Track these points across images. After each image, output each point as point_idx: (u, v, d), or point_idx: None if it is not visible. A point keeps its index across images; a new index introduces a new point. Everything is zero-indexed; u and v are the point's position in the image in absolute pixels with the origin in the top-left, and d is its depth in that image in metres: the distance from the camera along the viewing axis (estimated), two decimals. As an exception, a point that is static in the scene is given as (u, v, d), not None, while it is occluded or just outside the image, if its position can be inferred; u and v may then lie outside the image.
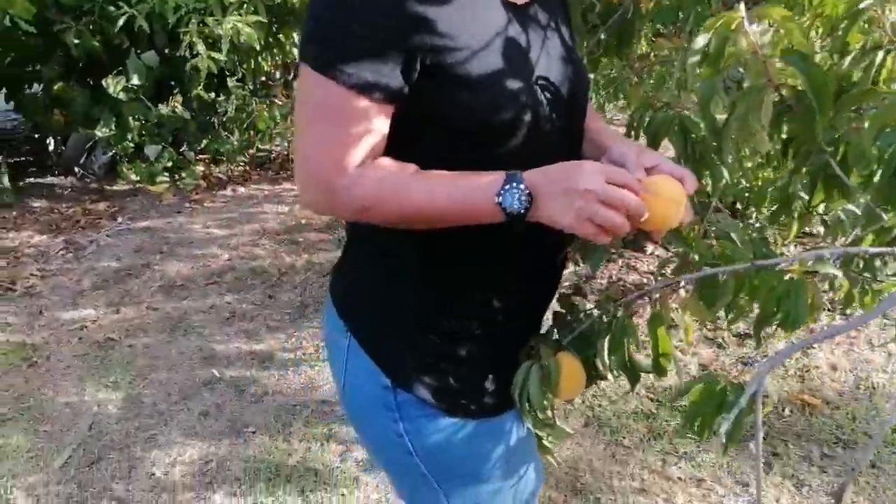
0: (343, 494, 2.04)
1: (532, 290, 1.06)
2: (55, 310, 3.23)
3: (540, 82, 0.93)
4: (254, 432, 2.34)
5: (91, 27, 3.97)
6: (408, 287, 1.00)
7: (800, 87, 0.99)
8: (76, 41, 3.94)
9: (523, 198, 0.84)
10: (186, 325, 3.02)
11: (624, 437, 2.18)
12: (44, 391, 2.64)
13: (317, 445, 2.24)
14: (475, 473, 1.09)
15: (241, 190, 4.48)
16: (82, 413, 2.50)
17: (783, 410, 2.25)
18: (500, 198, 0.84)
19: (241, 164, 4.69)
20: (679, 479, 2.02)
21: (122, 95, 4.00)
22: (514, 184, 0.85)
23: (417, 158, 0.90)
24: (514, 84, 0.89)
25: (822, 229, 2.18)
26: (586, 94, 1.05)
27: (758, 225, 2.49)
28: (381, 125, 0.86)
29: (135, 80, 3.93)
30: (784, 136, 1.15)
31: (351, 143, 0.85)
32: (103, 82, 3.96)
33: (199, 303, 3.21)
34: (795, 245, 2.94)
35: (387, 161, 0.89)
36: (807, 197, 1.42)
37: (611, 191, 0.81)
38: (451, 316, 1.00)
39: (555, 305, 1.12)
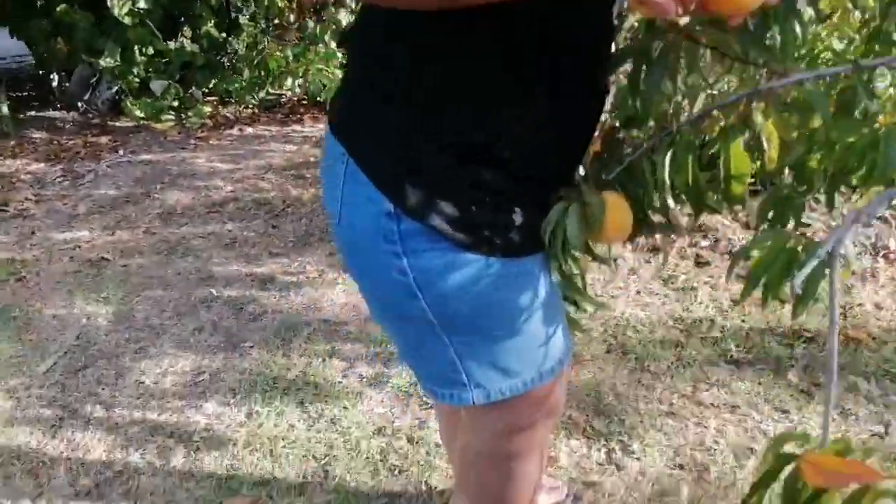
0: (345, 407, 1.88)
1: (568, 109, 0.87)
2: (48, 231, 3.08)
3: None
4: (251, 347, 2.18)
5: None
6: (418, 96, 0.82)
7: None
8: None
9: None
10: (184, 249, 2.86)
11: (650, 365, 2.02)
12: (31, 303, 2.49)
13: (318, 361, 2.08)
14: (495, 325, 0.91)
15: (249, 130, 4.31)
16: (70, 324, 2.35)
17: (824, 344, 2.08)
18: None
19: (251, 104, 4.53)
20: (712, 404, 1.85)
21: (127, 20, 3.83)
22: None
23: None
24: None
25: None
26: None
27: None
28: None
29: (141, 3, 3.76)
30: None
31: None
32: (108, 2, 3.78)
33: (198, 229, 3.05)
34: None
35: None
36: None
37: None
38: (473, 131, 0.82)
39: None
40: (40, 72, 4.66)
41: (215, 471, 1.68)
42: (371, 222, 0.85)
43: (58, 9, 3.90)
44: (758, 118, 0.88)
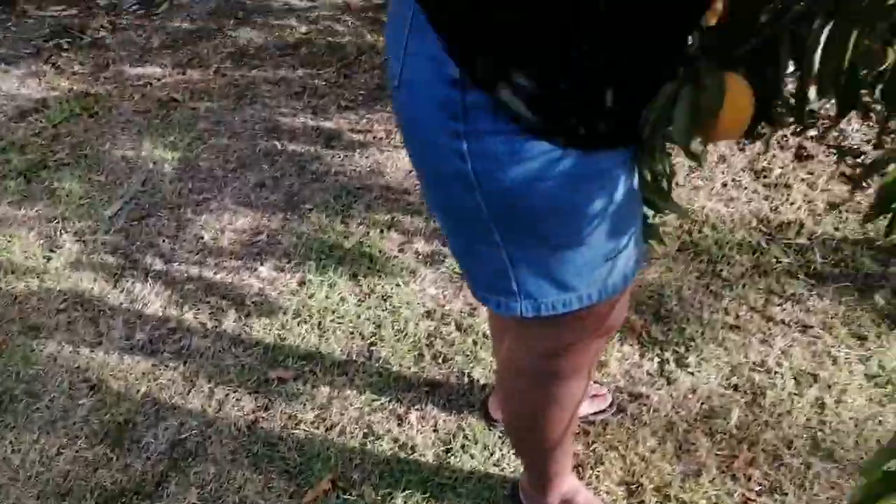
0: (398, 285, 1.85)
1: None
2: (121, 64, 3.04)
3: None
4: (311, 209, 2.14)
5: None
6: None
7: None
8: None
9: None
10: (253, 94, 2.79)
11: (723, 269, 1.88)
12: (102, 142, 2.51)
13: (375, 232, 2.04)
14: (557, 231, 0.78)
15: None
16: (137, 168, 2.37)
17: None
18: None
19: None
20: (782, 321, 1.73)
21: None
22: None
23: None
24: None
25: None
26: None
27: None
28: None
29: None
30: None
31: None
32: None
33: (269, 73, 2.94)
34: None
35: None
36: None
37: None
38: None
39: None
40: None
41: (263, 338, 1.71)
42: (433, 90, 0.72)
43: None
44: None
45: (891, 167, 0.69)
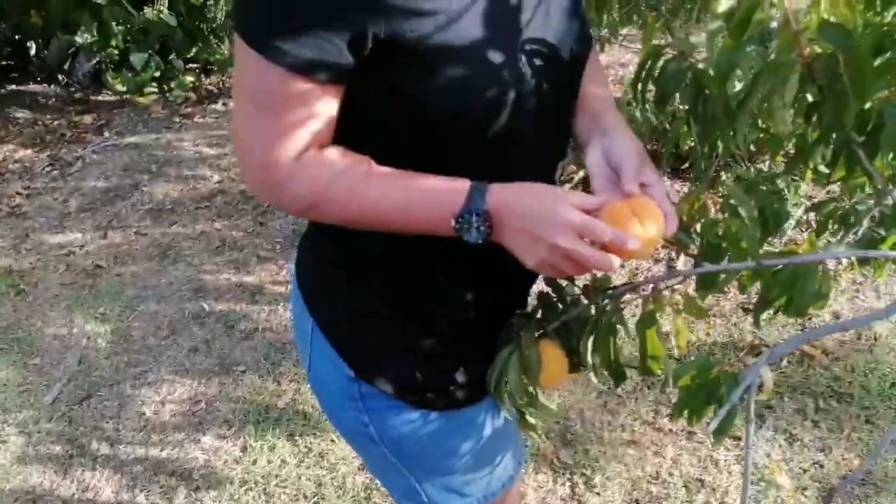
0: (333, 440, 2.04)
1: (507, 284, 0.98)
2: (41, 232, 3.16)
3: (531, 47, 0.80)
4: (243, 371, 2.32)
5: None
6: (371, 278, 0.93)
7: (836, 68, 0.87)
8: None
9: (482, 228, 0.76)
10: (175, 253, 2.96)
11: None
12: (32, 321, 2.61)
13: (306, 387, 2.23)
14: (444, 465, 1.05)
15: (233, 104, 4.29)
16: (72, 346, 2.48)
17: (780, 361, 2.21)
18: (457, 224, 0.76)
19: (233, 74, 4.48)
20: (670, 430, 2.01)
21: None
22: (475, 213, 0.76)
23: (374, 149, 0.80)
24: (494, 58, 0.76)
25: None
26: (587, 57, 0.93)
27: (771, 170, 2.37)
28: (326, 108, 0.75)
29: (114, -18, 3.68)
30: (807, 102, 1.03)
31: (287, 131, 0.74)
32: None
33: (188, 228, 3.13)
34: (809, 188, 2.81)
35: (335, 153, 0.78)
36: (825, 166, 1.31)
37: (582, 251, 0.74)
38: (416, 311, 0.94)
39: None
40: (17, 37, 4.58)
41: (215, 513, 1.86)
42: (337, 382, 0.97)
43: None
44: (667, 309, 0.97)
45: (684, 376, 0.96)
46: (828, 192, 3.01)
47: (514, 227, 0.76)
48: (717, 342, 2.28)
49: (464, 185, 0.76)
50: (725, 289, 2.49)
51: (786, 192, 2.82)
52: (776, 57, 0.95)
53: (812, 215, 2.86)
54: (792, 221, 2.80)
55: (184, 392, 2.25)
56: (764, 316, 1.03)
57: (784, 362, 2.21)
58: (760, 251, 1.15)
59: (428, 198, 0.77)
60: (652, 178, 0.81)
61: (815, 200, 2.65)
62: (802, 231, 2.77)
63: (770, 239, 1.78)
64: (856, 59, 0.84)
